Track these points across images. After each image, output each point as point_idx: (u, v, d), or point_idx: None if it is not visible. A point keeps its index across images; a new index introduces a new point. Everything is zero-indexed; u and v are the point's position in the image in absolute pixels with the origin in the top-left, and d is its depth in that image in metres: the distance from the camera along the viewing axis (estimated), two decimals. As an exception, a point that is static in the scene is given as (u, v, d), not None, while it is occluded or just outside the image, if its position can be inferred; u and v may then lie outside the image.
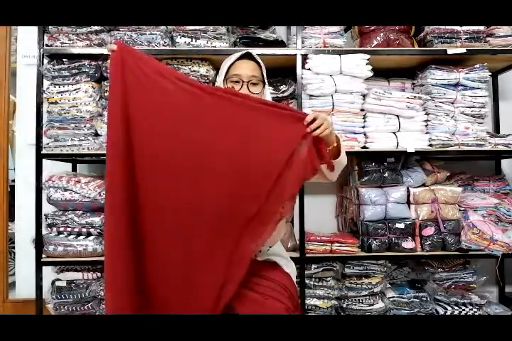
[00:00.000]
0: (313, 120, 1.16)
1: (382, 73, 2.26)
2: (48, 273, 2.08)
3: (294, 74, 2.10)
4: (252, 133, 1.16)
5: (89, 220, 2.02)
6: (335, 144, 1.26)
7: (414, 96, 2.12)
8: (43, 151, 2.03)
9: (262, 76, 1.38)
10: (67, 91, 2.06)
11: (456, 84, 2.17)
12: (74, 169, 2.41)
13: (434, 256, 2.12)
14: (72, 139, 2.05)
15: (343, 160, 1.31)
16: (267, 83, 1.41)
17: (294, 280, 1.41)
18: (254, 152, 1.15)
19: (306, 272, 2.07)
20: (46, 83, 2.08)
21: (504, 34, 2.16)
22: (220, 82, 1.40)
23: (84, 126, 2.06)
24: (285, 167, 1.14)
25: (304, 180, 1.17)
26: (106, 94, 2.07)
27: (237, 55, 1.38)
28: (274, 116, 1.16)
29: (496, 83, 2.52)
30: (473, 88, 2.17)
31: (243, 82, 1.33)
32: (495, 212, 2.22)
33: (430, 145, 2.13)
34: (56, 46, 2.06)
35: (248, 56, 1.38)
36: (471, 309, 2.15)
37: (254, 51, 1.96)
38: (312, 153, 1.15)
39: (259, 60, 1.39)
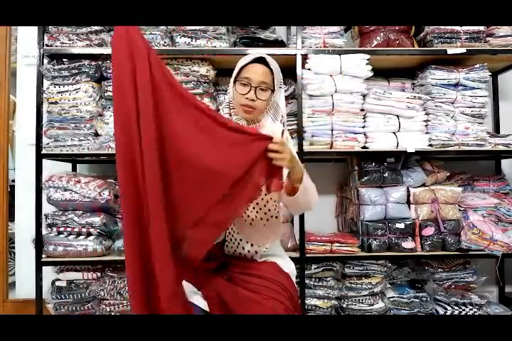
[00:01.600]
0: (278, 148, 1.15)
1: (382, 73, 2.26)
2: (48, 273, 2.08)
3: (294, 74, 2.10)
4: (223, 147, 1.18)
5: (89, 220, 2.03)
6: (298, 185, 1.24)
7: (414, 96, 2.12)
8: (43, 151, 2.03)
9: (273, 82, 1.35)
10: (67, 91, 2.07)
11: (456, 84, 2.17)
12: (74, 169, 2.41)
13: (434, 256, 2.12)
14: (72, 139, 2.05)
15: (302, 198, 1.27)
16: (277, 89, 1.37)
17: (294, 280, 1.41)
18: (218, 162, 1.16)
19: (306, 272, 2.07)
20: (46, 83, 2.08)
21: (504, 34, 2.16)
22: (231, 82, 1.39)
23: (84, 126, 2.06)
24: (238, 180, 1.15)
25: (250, 198, 1.18)
26: (106, 94, 2.08)
27: (251, 57, 1.35)
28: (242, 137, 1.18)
29: (496, 83, 2.52)
30: (473, 88, 2.17)
31: (251, 86, 1.32)
32: (495, 212, 2.22)
33: (430, 145, 2.13)
34: (56, 46, 2.06)
35: (262, 60, 1.34)
36: (471, 309, 2.15)
37: (254, 51, 1.98)
38: (261, 173, 1.16)
39: (273, 66, 1.34)
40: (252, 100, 1.32)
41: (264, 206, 1.33)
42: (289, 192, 1.27)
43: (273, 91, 1.36)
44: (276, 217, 1.34)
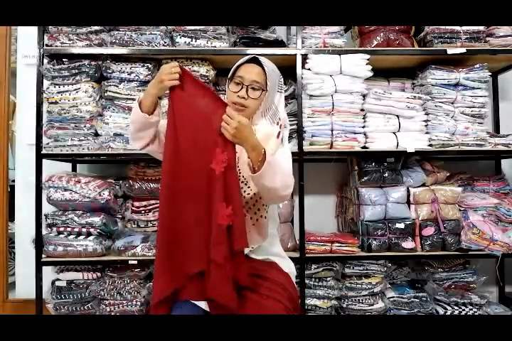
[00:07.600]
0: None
1: (382, 73, 2.26)
2: (48, 273, 2.08)
3: (294, 74, 2.10)
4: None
5: (89, 220, 2.02)
6: (256, 167, 1.19)
7: (414, 96, 2.12)
8: (43, 151, 2.03)
9: (266, 82, 1.35)
10: (67, 91, 2.06)
11: (456, 84, 2.17)
12: (74, 169, 2.40)
13: (434, 256, 2.12)
14: (72, 139, 2.05)
15: (267, 182, 1.21)
16: (275, 92, 1.38)
17: (294, 280, 1.41)
18: None
19: (306, 272, 2.07)
20: (46, 83, 2.08)
21: (504, 34, 2.16)
22: (227, 82, 1.41)
23: (84, 126, 2.06)
24: None
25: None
26: (106, 94, 2.08)
27: (246, 57, 1.38)
28: None
29: (496, 83, 2.52)
30: (473, 88, 2.17)
31: (243, 85, 1.34)
32: (495, 212, 2.22)
33: (430, 145, 2.13)
34: (56, 46, 2.06)
35: (256, 60, 1.36)
36: (471, 309, 2.15)
37: (254, 51, 1.98)
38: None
39: (266, 67, 1.34)
40: (244, 98, 1.33)
41: (254, 205, 1.33)
42: (251, 171, 1.23)
43: (265, 91, 1.35)
44: (265, 218, 1.34)
